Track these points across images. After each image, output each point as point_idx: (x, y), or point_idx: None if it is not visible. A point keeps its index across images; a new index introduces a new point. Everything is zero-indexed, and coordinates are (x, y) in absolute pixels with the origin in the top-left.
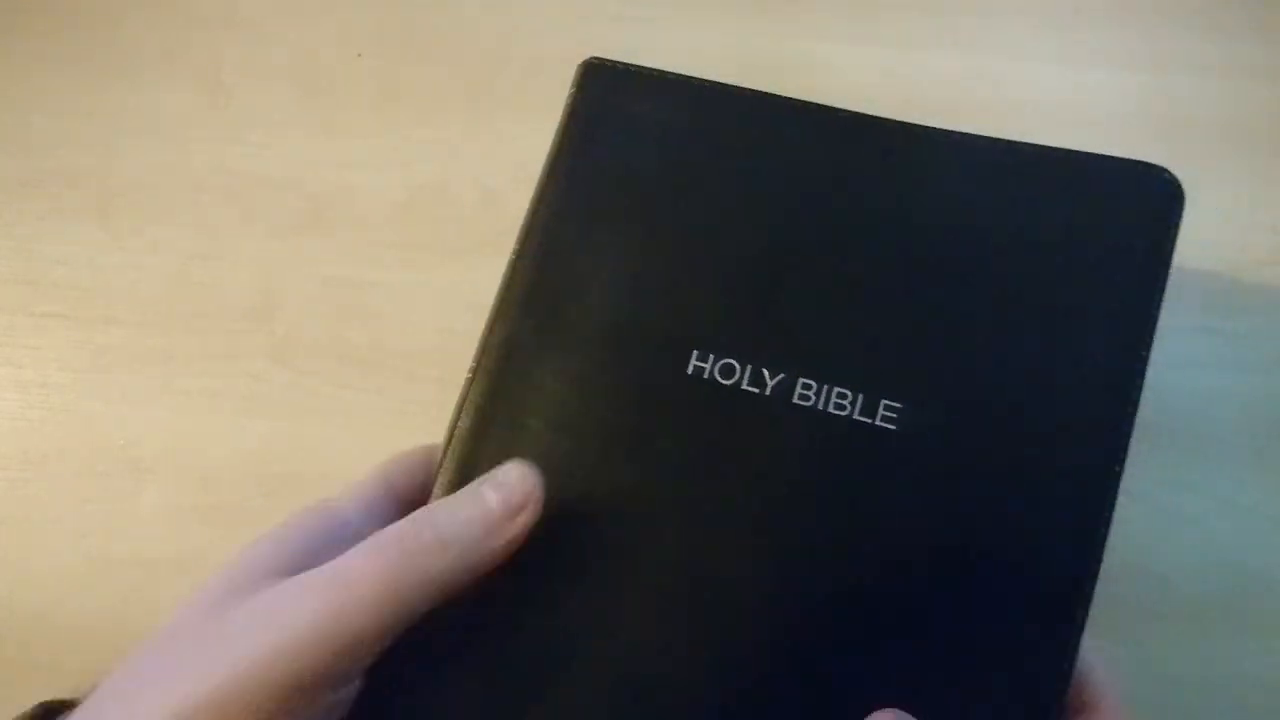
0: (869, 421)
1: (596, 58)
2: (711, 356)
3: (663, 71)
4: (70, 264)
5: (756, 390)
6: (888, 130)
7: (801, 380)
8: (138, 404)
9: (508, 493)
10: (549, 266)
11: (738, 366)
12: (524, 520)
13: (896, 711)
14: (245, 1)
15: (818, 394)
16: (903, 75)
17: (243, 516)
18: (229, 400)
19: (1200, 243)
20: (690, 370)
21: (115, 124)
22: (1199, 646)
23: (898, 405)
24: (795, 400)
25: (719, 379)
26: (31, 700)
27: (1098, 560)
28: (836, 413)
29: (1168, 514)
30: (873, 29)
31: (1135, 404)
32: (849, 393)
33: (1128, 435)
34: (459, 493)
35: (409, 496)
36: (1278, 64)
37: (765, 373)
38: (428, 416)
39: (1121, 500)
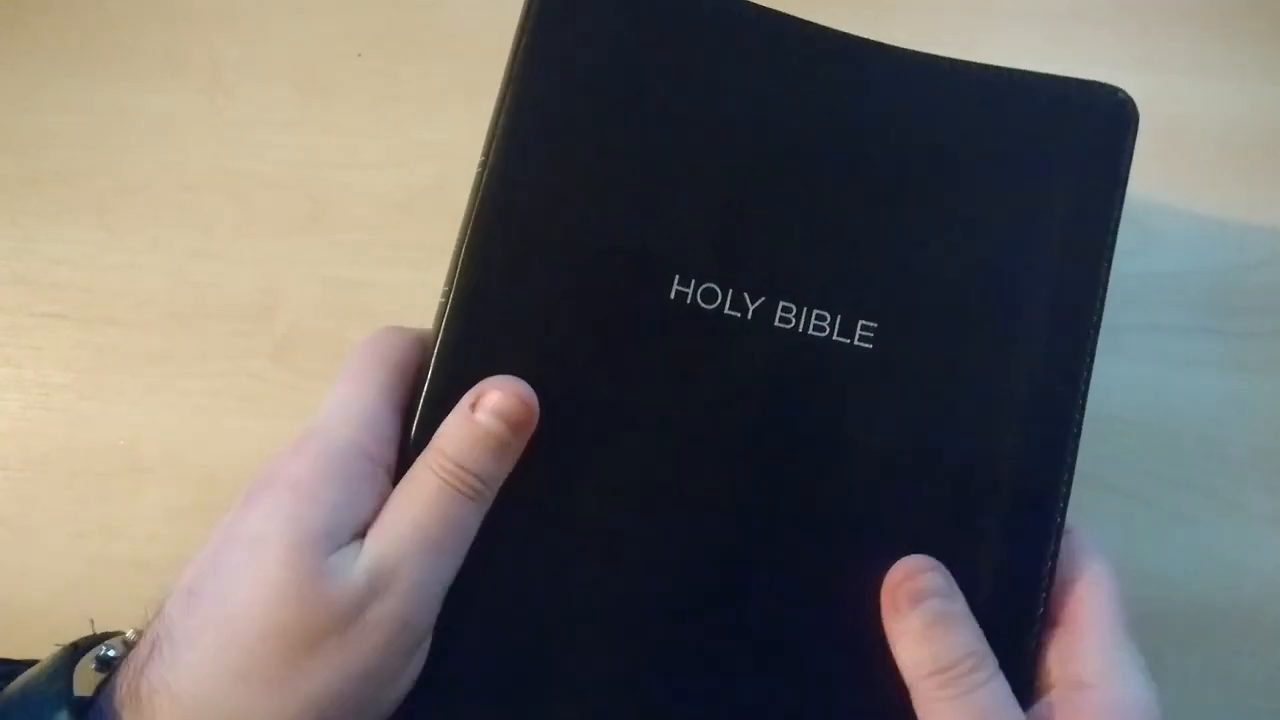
0: (847, 342)
1: None
2: (693, 282)
3: None
4: (70, 264)
5: (739, 315)
6: (854, 45)
7: (782, 304)
8: (138, 404)
9: (510, 416)
10: (516, 183)
11: (719, 291)
12: (528, 433)
13: (921, 557)
14: (245, 1)
15: (798, 317)
16: None
17: None
18: (229, 400)
19: (1200, 243)
20: (673, 295)
21: (115, 124)
22: (1199, 646)
23: (874, 325)
24: (776, 324)
25: (701, 304)
26: None
27: (1070, 465)
28: (816, 334)
29: (1168, 514)
30: (873, 29)
31: (1098, 317)
32: (827, 315)
33: (1092, 345)
34: (460, 422)
35: (402, 400)
36: (1277, 65)
37: (746, 297)
38: None
39: (1122, 500)
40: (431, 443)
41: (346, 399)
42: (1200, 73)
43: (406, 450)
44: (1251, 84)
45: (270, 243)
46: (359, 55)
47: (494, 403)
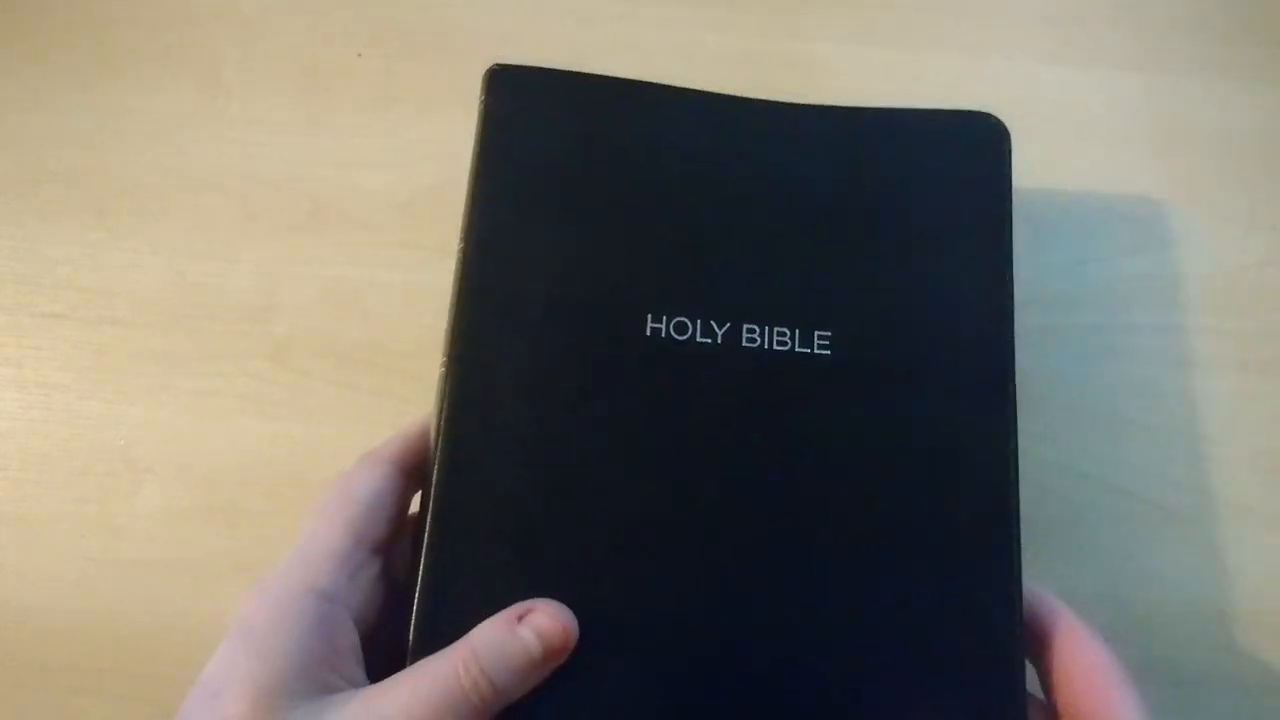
0: (808, 351)
1: (499, 64)
2: (665, 317)
3: (563, 70)
4: (70, 264)
5: (710, 340)
6: (768, 109)
7: (746, 326)
8: (138, 404)
9: (549, 641)
10: (494, 258)
11: (689, 323)
12: (556, 664)
13: None
14: (245, 1)
15: (762, 335)
16: (903, 75)
17: (242, 517)
18: (229, 400)
19: (1200, 243)
20: (649, 331)
21: (115, 124)
22: (1199, 647)
23: (828, 334)
24: (744, 344)
25: (675, 335)
26: (29, 699)
27: (1013, 425)
28: (780, 348)
29: (1167, 514)
30: (873, 29)
31: (1010, 313)
32: (787, 330)
33: (1009, 339)
34: (501, 630)
35: (374, 534)
36: (1277, 65)
37: (714, 324)
38: None
39: (1122, 500)
40: (466, 639)
41: (309, 538)
42: (1200, 73)
43: (419, 522)
44: (1252, 84)
45: (270, 243)
46: (359, 55)
47: (538, 623)
